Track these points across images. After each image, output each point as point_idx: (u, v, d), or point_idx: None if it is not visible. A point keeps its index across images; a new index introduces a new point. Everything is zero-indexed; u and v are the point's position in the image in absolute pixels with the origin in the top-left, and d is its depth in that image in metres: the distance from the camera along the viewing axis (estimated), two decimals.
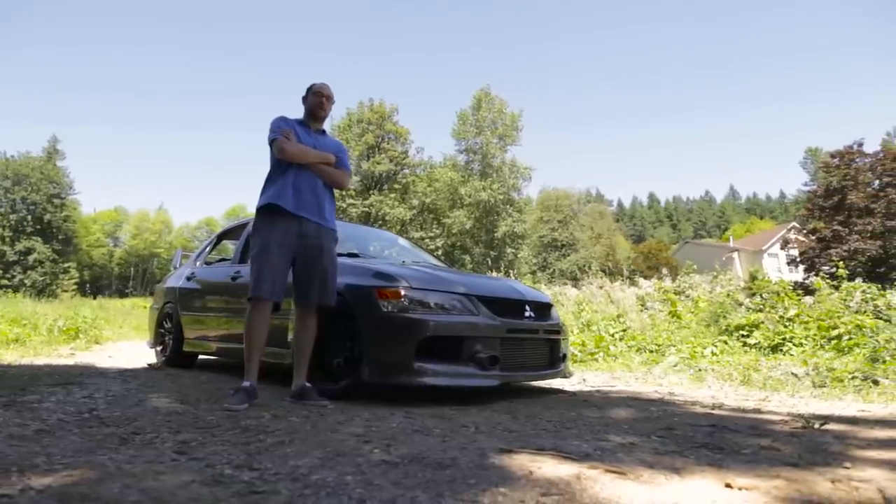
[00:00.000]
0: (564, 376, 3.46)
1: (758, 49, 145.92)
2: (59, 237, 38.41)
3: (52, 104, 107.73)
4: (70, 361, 5.04)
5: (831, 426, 2.11)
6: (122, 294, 42.79)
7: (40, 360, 4.99)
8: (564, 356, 3.46)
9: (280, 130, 2.77)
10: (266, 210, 2.73)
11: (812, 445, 1.76)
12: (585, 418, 2.36)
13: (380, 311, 2.80)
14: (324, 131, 3.04)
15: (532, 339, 3.17)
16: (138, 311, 20.79)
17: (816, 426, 2.08)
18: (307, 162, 2.78)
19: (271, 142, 2.77)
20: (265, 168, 2.92)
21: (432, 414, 2.40)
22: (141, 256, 55.02)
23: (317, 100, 2.96)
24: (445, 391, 3.03)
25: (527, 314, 3.18)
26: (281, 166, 2.78)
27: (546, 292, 7.88)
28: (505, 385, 3.24)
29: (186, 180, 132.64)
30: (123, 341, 9.16)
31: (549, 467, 1.45)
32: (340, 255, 3.39)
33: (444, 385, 2.75)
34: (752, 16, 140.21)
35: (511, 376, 3.03)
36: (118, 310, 19.48)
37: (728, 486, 1.27)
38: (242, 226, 4.67)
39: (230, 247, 5.63)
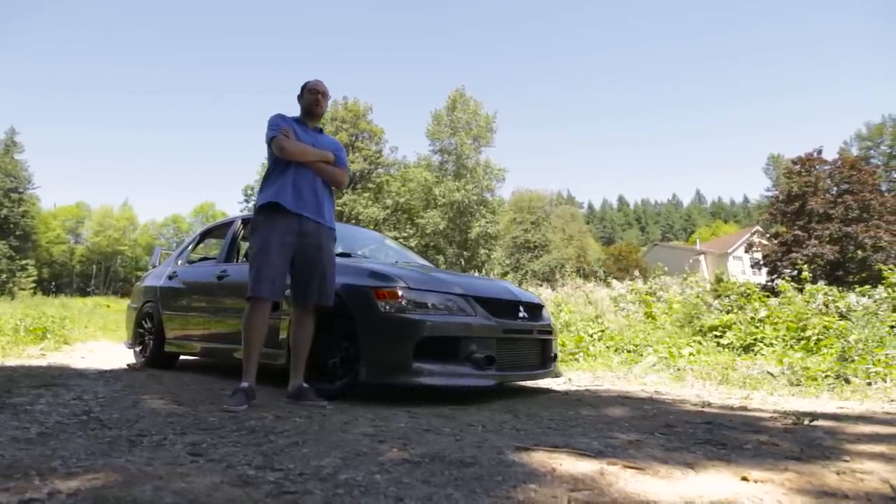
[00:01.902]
0: (555, 376, 3.52)
1: (724, 50, 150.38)
2: (17, 233, 36.89)
3: (10, 101, 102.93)
4: (43, 362, 4.87)
5: (820, 423, 2.22)
6: (84, 293, 41.26)
7: (11, 361, 4.82)
8: (555, 356, 3.52)
9: (279, 128, 2.74)
10: (266, 209, 2.70)
11: (807, 441, 1.85)
12: (584, 417, 2.42)
13: (378, 312, 2.81)
14: (321, 129, 3.03)
15: (526, 339, 3.22)
16: (102, 311, 20.20)
17: (806, 423, 2.18)
18: (307, 160, 2.76)
19: (270, 140, 2.74)
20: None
21: (435, 414, 2.42)
22: (104, 254, 53.17)
23: (312, 97, 2.93)
24: (442, 391, 3.05)
25: (521, 315, 3.23)
26: (280, 164, 2.76)
27: None
28: (497, 384, 3.28)
29: (152, 178, 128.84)
30: (92, 341, 8.87)
31: (569, 464, 1.49)
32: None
33: (442, 385, 2.78)
34: (717, 16, 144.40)
35: (506, 376, 3.07)
36: (80, 309, 18.87)
37: (744, 479, 1.33)
38: (227, 224, 4.60)
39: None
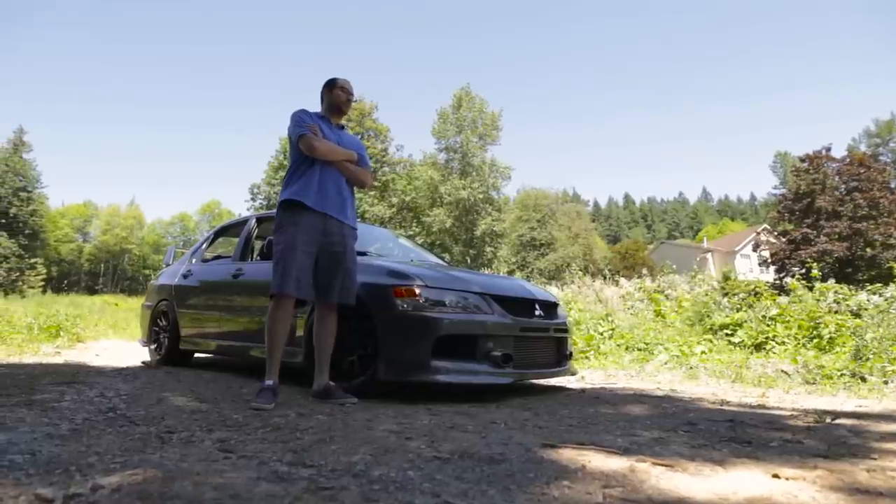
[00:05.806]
0: (570, 374, 3.53)
1: (732, 46, 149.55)
2: (26, 232, 37.09)
3: (17, 99, 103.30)
4: (59, 360, 4.93)
5: (842, 421, 2.22)
6: (92, 291, 41.55)
7: (28, 359, 4.87)
8: (570, 354, 3.53)
9: (306, 126, 2.73)
10: (290, 205, 2.69)
11: (832, 439, 1.85)
12: (604, 415, 2.43)
13: (396, 310, 2.82)
14: (343, 126, 3.02)
15: (543, 337, 3.23)
16: (110, 310, 20.28)
17: (828, 421, 2.18)
18: (334, 160, 2.76)
19: (299, 137, 2.72)
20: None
21: (456, 412, 2.43)
22: (111, 252, 53.47)
23: (344, 95, 2.92)
24: (459, 389, 3.06)
25: (537, 313, 3.24)
26: (306, 161, 2.75)
27: None
28: (513, 382, 3.29)
29: (159, 177, 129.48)
30: (104, 339, 8.95)
31: (598, 461, 1.50)
32: None
33: (459, 382, 2.79)
34: (724, 12, 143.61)
35: (523, 374, 3.09)
36: (89, 307, 18.98)
37: (776, 476, 1.34)
38: (242, 223, 4.63)
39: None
